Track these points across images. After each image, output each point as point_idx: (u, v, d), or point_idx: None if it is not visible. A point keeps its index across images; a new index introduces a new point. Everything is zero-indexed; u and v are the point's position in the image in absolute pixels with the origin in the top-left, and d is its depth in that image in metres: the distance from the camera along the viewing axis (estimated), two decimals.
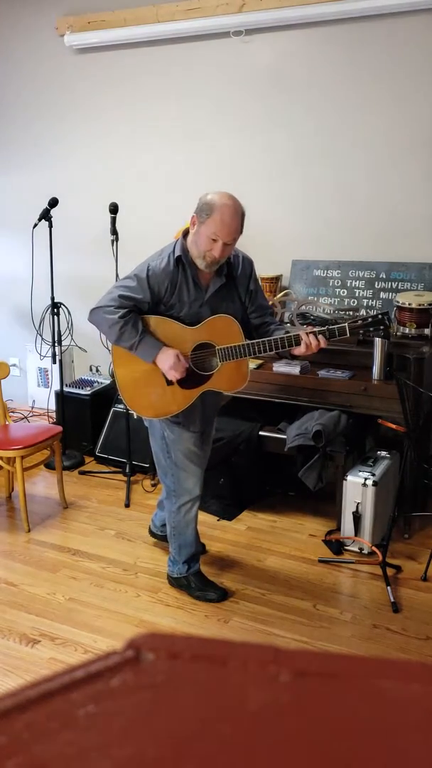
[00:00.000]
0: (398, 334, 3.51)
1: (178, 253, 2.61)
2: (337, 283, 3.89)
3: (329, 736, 0.35)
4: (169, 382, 2.71)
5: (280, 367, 3.58)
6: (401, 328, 3.51)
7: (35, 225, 4.04)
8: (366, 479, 3.29)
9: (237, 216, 2.51)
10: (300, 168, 4.02)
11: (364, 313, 3.61)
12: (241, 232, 2.57)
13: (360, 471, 3.36)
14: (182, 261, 2.61)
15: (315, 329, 2.63)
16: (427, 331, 3.46)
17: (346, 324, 2.61)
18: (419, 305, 3.44)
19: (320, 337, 2.59)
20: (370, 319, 2.61)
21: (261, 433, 3.63)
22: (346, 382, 3.44)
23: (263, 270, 4.00)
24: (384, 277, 3.79)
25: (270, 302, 3.84)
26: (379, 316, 2.60)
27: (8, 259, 5.03)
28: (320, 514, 3.74)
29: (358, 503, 3.30)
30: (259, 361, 3.69)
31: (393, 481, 3.40)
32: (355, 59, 3.78)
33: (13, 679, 2.51)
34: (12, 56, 4.72)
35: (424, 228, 3.77)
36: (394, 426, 3.13)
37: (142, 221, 4.29)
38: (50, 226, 4.11)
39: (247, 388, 3.65)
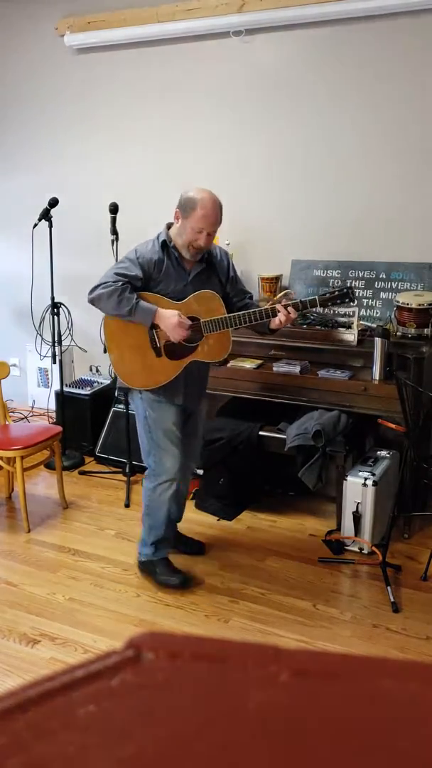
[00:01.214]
0: (398, 334, 3.51)
1: (163, 238, 2.86)
2: (337, 283, 3.88)
3: (329, 736, 0.36)
4: (158, 354, 2.88)
5: (280, 367, 3.58)
6: (401, 328, 3.51)
7: (35, 225, 4.04)
8: (366, 479, 3.29)
9: (217, 208, 2.79)
10: (300, 168, 4.02)
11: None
12: (221, 221, 2.83)
13: (360, 471, 3.36)
14: (167, 245, 2.85)
15: (289, 302, 2.88)
16: (427, 331, 3.46)
17: (316, 297, 2.93)
18: (419, 305, 3.44)
19: (290, 308, 2.84)
20: (336, 292, 2.92)
21: (261, 433, 3.63)
22: (346, 382, 3.44)
23: (263, 270, 4.01)
24: (384, 277, 3.79)
25: (270, 303, 3.85)
26: (345, 290, 2.91)
27: (8, 259, 5.03)
28: (320, 514, 3.74)
29: (358, 503, 3.30)
30: (259, 361, 3.69)
31: (393, 481, 3.40)
32: (355, 59, 3.78)
33: (13, 679, 2.51)
34: (12, 56, 4.72)
35: (424, 228, 3.77)
36: (394, 426, 3.13)
37: (143, 221, 4.29)
38: (50, 226, 4.11)
39: (247, 388, 3.66)
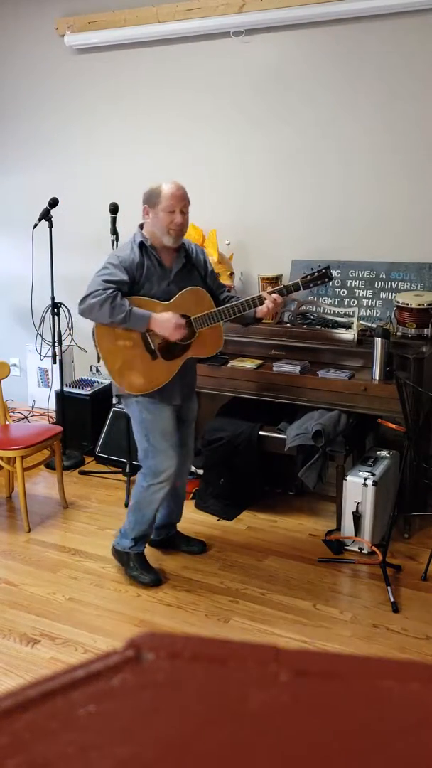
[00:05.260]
0: (398, 334, 3.51)
1: (140, 239, 2.88)
2: (337, 283, 3.89)
3: (329, 736, 0.36)
4: (154, 357, 2.89)
5: (280, 367, 3.58)
6: (401, 328, 3.51)
7: (35, 225, 4.04)
8: (366, 479, 3.29)
9: (181, 187, 2.85)
10: (300, 168, 4.02)
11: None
12: (189, 201, 2.87)
13: (360, 471, 3.36)
14: (145, 246, 2.87)
15: (273, 289, 2.95)
16: (426, 331, 3.46)
17: (299, 280, 2.96)
18: (419, 305, 3.44)
19: (275, 295, 2.90)
20: (316, 273, 2.97)
21: (261, 433, 3.63)
22: (346, 382, 3.44)
23: (263, 270, 4.01)
24: (384, 277, 3.79)
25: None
26: (323, 270, 2.97)
27: (8, 259, 5.03)
28: (320, 514, 3.74)
29: (358, 503, 3.30)
30: (259, 361, 3.69)
31: (393, 481, 3.40)
32: (356, 59, 3.78)
33: (13, 679, 2.51)
34: (12, 56, 4.72)
35: (424, 228, 3.77)
36: (394, 426, 3.13)
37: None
38: (50, 226, 4.11)
39: (247, 388, 3.66)
